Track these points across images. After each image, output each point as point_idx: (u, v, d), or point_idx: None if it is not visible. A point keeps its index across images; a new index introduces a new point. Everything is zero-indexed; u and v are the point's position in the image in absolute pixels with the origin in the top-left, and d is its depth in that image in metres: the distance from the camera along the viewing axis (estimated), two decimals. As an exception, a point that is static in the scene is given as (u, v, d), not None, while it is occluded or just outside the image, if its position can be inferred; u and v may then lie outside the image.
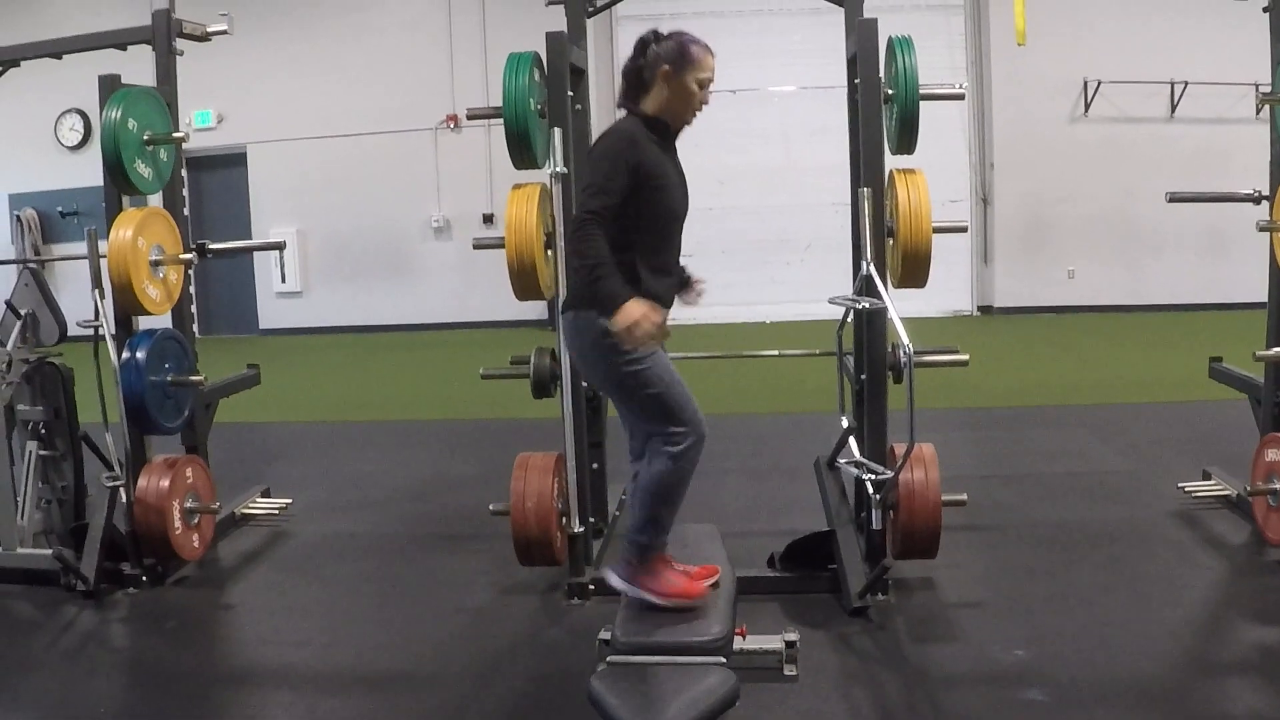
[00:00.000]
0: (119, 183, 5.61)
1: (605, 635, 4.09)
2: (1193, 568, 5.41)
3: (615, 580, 3.87)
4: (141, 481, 5.56)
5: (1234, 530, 5.86)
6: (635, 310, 3.45)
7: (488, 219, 15.70)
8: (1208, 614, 4.97)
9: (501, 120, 5.23)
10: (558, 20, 5.60)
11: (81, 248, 5.70)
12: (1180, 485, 6.40)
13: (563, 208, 5.00)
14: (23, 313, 5.78)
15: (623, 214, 3.63)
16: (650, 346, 3.59)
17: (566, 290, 3.76)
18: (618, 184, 3.56)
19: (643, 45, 3.82)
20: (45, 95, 14.64)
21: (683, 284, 4.16)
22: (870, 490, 4.96)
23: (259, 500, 6.84)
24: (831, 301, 5.26)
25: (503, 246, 5.17)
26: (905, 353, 4.63)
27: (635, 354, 3.67)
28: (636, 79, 3.83)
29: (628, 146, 3.68)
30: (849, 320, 5.47)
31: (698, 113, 3.93)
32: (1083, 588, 5.18)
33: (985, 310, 15.85)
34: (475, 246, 5.55)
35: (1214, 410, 8.12)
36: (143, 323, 5.83)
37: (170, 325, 6.01)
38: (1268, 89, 5.71)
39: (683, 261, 4.05)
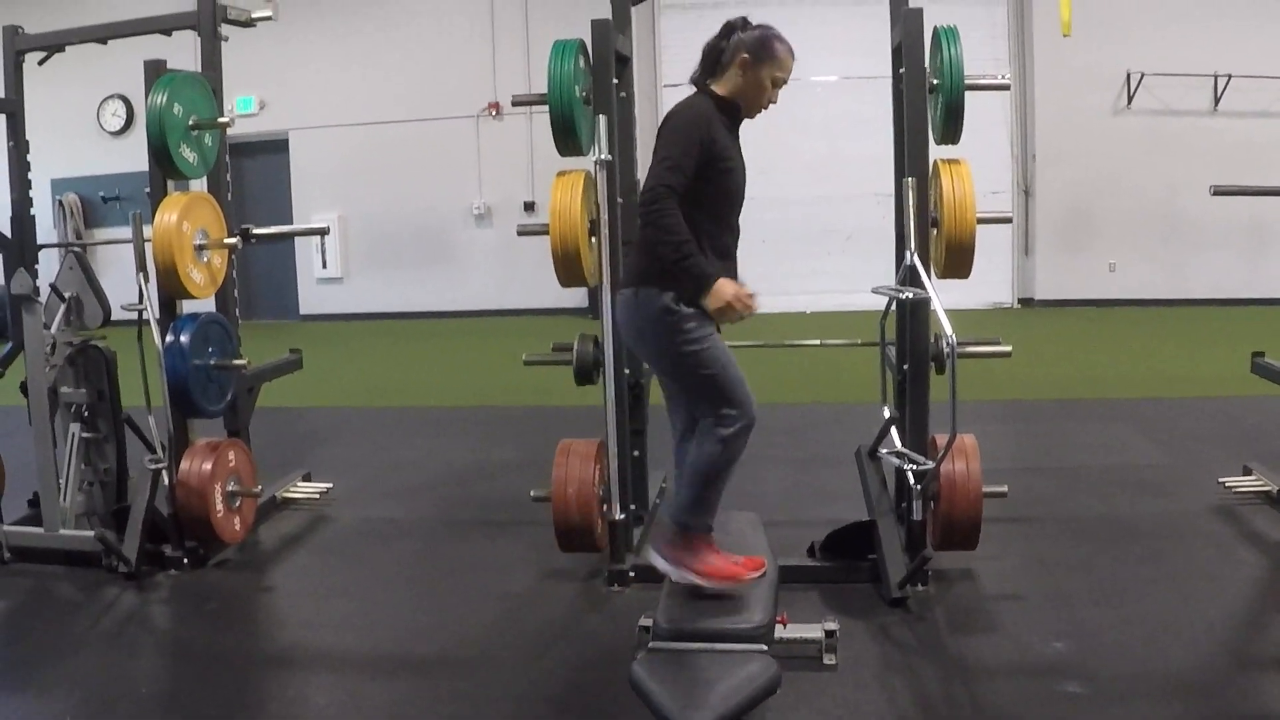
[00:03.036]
0: (164, 167, 5.64)
1: (646, 622, 4.09)
2: (1232, 563, 5.37)
3: (659, 560, 3.88)
4: (184, 464, 5.60)
5: (1274, 526, 5.81)
6: (728, 290, 3.44)
7: (529, 206, 15.75)
8: (1247, 609, 4.94)
9: (544, 108, 5.24)
10: (601, 8, 5.58)
11: (123, 232, 5.75)
12: (1220, 480, 6.37)
13: (607, 195, 5.02)
14: (67, 296, 5.82)
15: (689, 193, 3.61)
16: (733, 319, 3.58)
17: (626, 266, 3.71)
18: (692, 161, 3.53)
19: (729, 28, 3.82)
20: (88, 81, 14.78)
21: None
22: (911, 481, 4.95)
23: (300, 484, 6.89)
24: (875, 291, 5.24)
25: (546, 233, 5.18)
26: (948, 343, 4.61)
27: (694, 334, 3.66)
28: (715, 59, 3.81)
29: (702, 124, 3.65)
30: (891, 310, 5.46)
31: (765, 109, 3.91)
32: (1122, 581, 5.16)
33: (1026, 302, 15.77)
34: (520, 233, 5.58)
35: (1255, 405, 8.08)
36: (186, 306, 5.88)
37: (214, 309, 6.05)
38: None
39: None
